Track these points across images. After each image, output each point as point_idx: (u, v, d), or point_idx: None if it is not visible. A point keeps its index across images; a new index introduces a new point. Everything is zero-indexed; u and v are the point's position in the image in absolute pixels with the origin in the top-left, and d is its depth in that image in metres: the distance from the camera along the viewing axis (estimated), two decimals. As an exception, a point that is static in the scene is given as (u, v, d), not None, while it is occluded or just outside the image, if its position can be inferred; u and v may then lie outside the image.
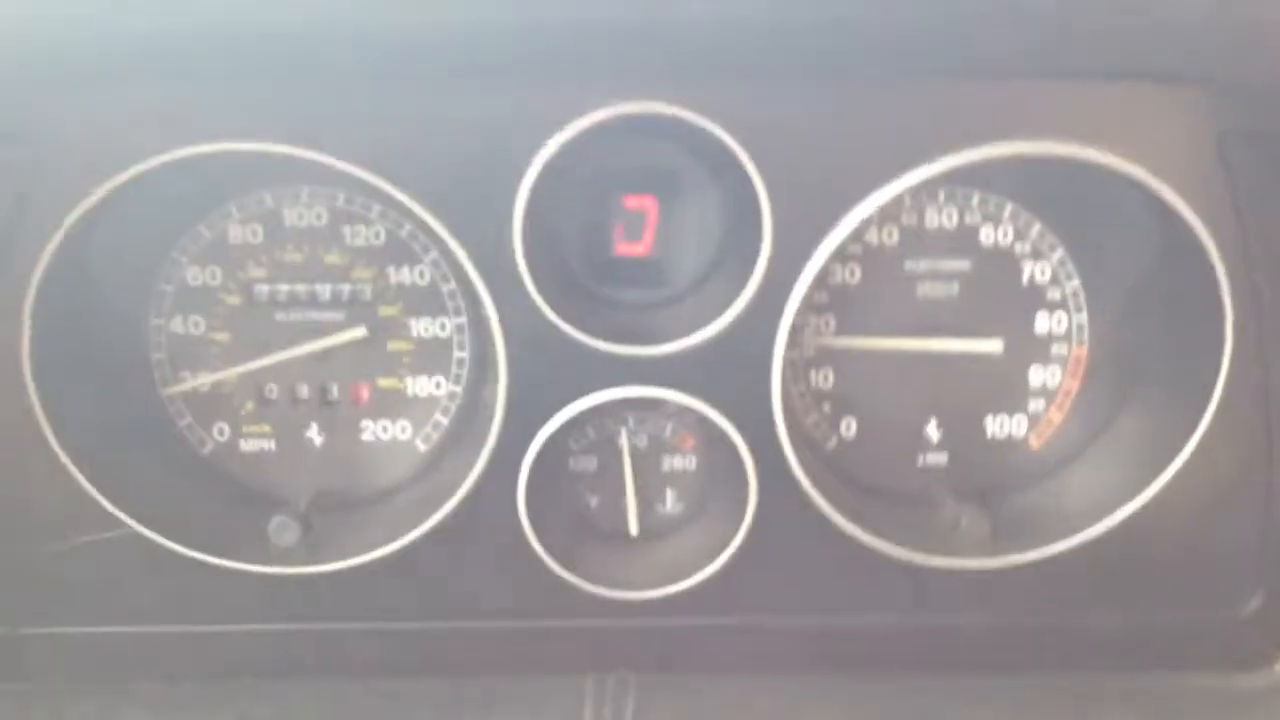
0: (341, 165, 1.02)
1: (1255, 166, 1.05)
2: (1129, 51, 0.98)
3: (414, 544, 1.13)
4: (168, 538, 1.12)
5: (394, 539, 1.13)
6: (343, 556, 1.14)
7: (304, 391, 1.23)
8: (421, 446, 1.25)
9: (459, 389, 1.23)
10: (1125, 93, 1.04)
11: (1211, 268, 1.05)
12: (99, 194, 1.01)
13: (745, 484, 1.13)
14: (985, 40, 0.96)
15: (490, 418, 1.11)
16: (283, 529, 1.11)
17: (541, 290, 1.06)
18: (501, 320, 1.08)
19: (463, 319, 1.21)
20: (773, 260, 1.06)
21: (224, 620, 1.17)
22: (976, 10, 0.89)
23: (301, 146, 1.01)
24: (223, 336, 1.20)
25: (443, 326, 1.22)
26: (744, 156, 1.01)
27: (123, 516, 1.10)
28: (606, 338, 1.08)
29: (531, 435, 1.11)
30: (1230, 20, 0.89)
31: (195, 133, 1.01)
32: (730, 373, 1.11)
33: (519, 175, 1.02)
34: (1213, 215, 1.04)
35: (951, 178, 1.17)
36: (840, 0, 0.87)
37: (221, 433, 1.23)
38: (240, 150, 1.01)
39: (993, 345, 1.20)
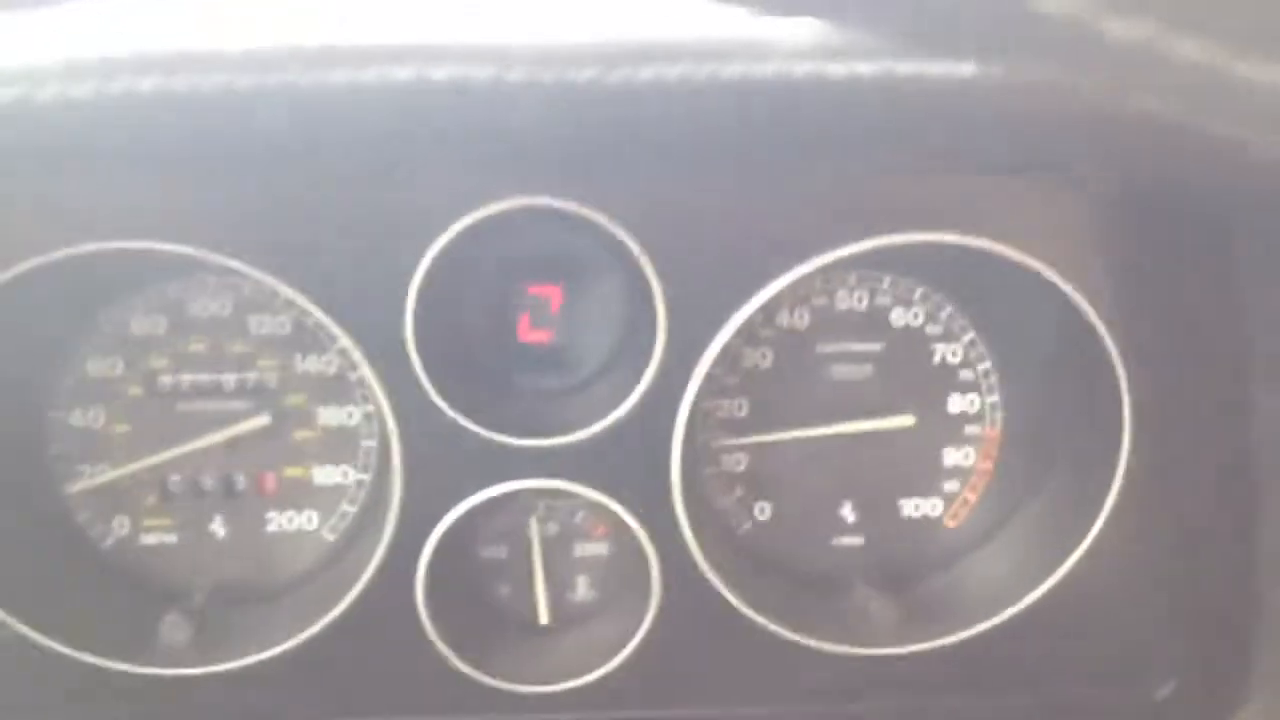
0: (232, 263, 1.01)
1: (1144, 250, 1.06)
2: (1022, 148, 0.98)
3: (311, 640, 1.11)
4: (51, 637, 1.08)
5: (291, 635, 1.11)
6: (238, 655, 1.11)
7: (208, 483, 1.21)
8: (329, 536, 1.23)
9: (367, 477, 1.22)
10: (1014, 184, 1.05)
11: (1106, 351, 1.05)
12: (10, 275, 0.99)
13: (650, 576, 1.11)
14: (882, 141, 0.96)
15: (388, 509, 1.09)
16: (175, 627, 1.09)
17: (438, 384, 1.05)
18: (396, 415, 1.06)
19: (370, 407, 1.20)
20: (668, 348, 1.05)
21: None
22: (874, 114, 0.90)
23: (192, 245, 1.00)
24: (124, 428, 1.18)
25: (350, 415, 1.20)
26: (635, 247, 1.01)
27: (4, 615, 1.08)
28: (505, 430, 1.07)
29: (431, 527, 1.09)
30: (1116, 118, 0.89)
31: (88, 229, 1.00)
32: (632, 462, 1.10)
33: (411, 269, 1.01)
34: (1104, 300, 1.05)
35: (859, 262, 1.17)
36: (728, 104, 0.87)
37: (122, 526, 1.21)
38: (132, 249, 1.00)
39: (905, 420, 1.20)
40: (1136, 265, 1.06)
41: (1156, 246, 1.06)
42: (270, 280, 1.01)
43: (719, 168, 1.03)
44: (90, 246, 0.98)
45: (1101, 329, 1.05)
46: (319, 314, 1.03)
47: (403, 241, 1.01)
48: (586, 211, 0.99)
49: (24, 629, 1.08)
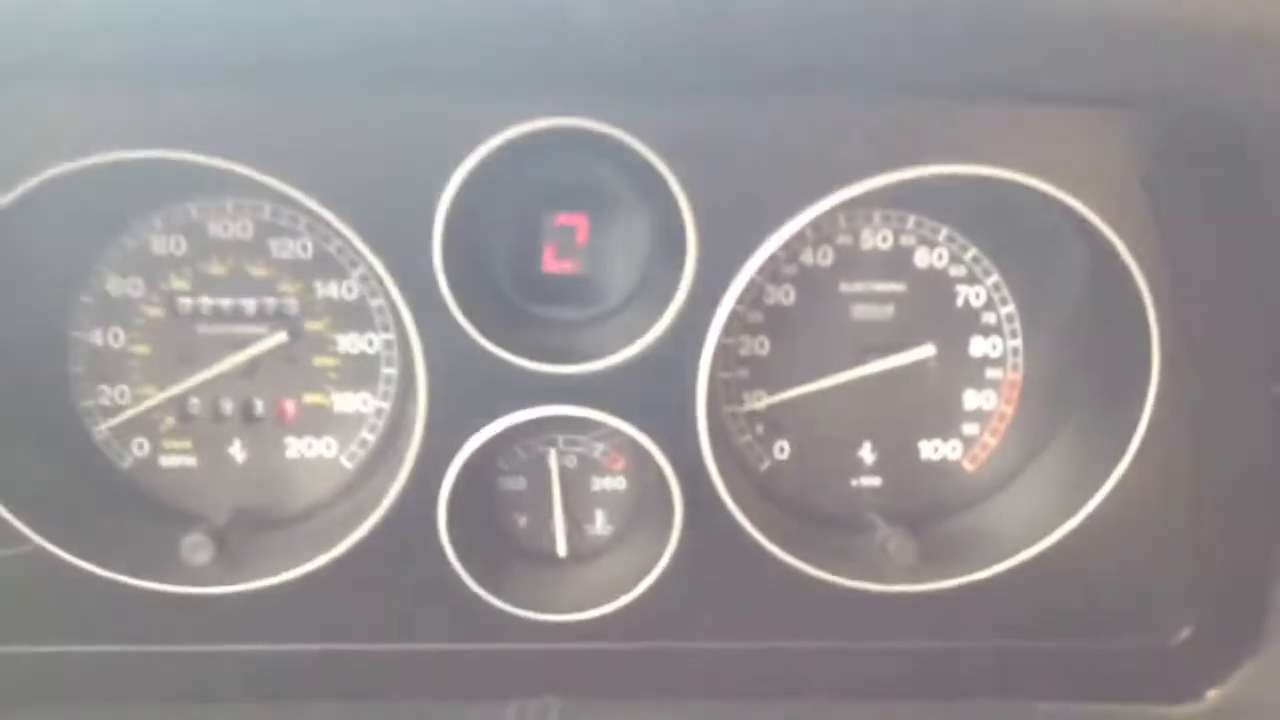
0: (260, 177, 1.00)
1: (1179, 191, 1.05)
2: (1059, 75, 0.97)
3: (332, 564, 1.11)
4: (76, 555, 1.09)
5: (312, 559, 1.11)
6: (258, 576, 1.11)
7: (228, 407, 1.20)
8: (347, 464, 1.22)
9: (386, 405, 1.21)
10: (1053, 117, 1.04)
11: (1138, 292, 1.05)
12: (9, 198, 0.98)
13: (672, 506, 1.11)
14: (915, 60, 0.95)
15: (411, 435, 1.09)
16: (197, 548, 1.09)
17: (464, 307, 1.04)
18: (422, 337, 1.06)
19: (391, 335, 1.19)
20: (698, 278, 1.04)
21: (134, 641, 1.13)
22: (909, 30, 0.89)
23: (220, 157, 0.99)
24: (144, 350, 1.18)
25: (370, 342, 1.20)
26: (669, 174, 1.00)
27: (29, 532, 1.07)
28: (531, 356, 1.07)
29: (453, 454, 1.09)
30: (1153, 44, 0.89)
31: (111, 140, 0.99)
32: (657, 392, 1.09)
33: (440, 189, 1.00)
34: (1139, 240, 1.04)
35: (884, 200, 1.17)
36: (766, 17, 0.86)
37: (141, 448, 1.20)
38: (157, 159, 0.99)
39: (926, 350, 1.19)
40: (1172, 206, 1.05)
41: (1192, 189, 1.05)
42: (297, 195, 1.00)
43: (751, 96, 1.02)
44: (116, 155, 0.97)
45: (1135, 269, 1.04)
46: (345, 231, 1.02)
47: (433, 159, 1.00)
48: (622, 135, 0.98)
49: (48, 545, 1.08)
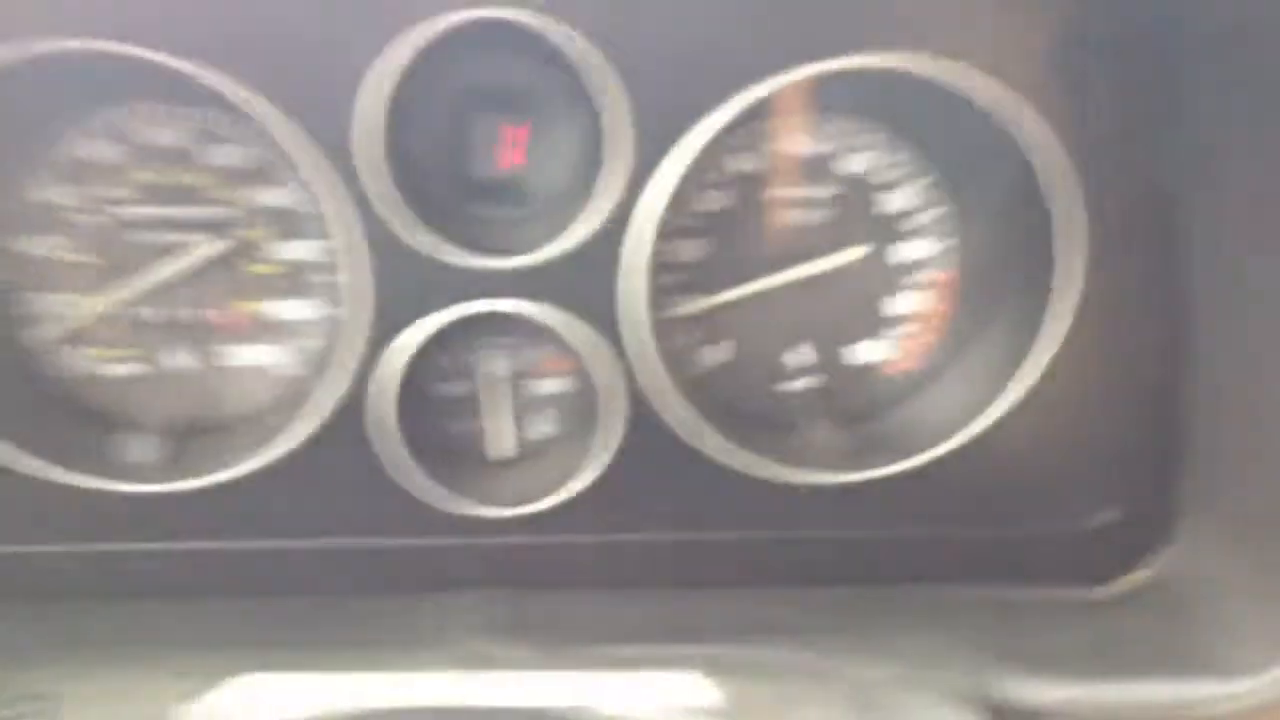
0: (192, 69, 1.00)
1: (1105, 77, 1.07)
2: None
3: (276, 463, 1.12)
4: (18, 457, 1.09)
5: (256, 458, 1.12)
6: (204, 474, 1.12)
7: (166, 316, 1.21)
8: (289, 371, 1.23)
9: (326, 311, 1.22)
10: (984, 5, 1.06)
11: (1065, 181, 1.08)
12: None
13: (610, 406, 1.13)
14: None
15: (349, 337, 1.10)
16: (140, 446, 1.10)
17: (400, 205, 1.05)
18: (357, 237, 1.07)
19: (329, 242, 1.19)
20: (631, 171, 1.06)
21: (80, 541, 1.14)
22: None
23: (151, 49, 0.99)
24: (80, 258, 1.18)
25: (308, 249, 1.20)
26: (604, 64, 1.01)
27: None
28: (467, 249, 1.08)
29: (395, 354, 1.10)
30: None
31: (42, 32, 0.98)
32: (593, 291, 1.11)
33: (372, 85, 1.01)
34: (1066, 129, 1.07)
35: (817, 98, 1.19)
36: None
37: (82, 358, 1.21)
38: (93, 51, 0.98)
39: (858, 252, 1.21)
40: (1097, 94, 1.07)
41: (1113, 79, 1.08)
42: (228, 90, 1.00)
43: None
44: (39, 46, 0.97)
45: (1062, 159, 1.07)
46: (277, 131, 1.02)
47: (363, 50, 1.00)
48: (555, 25, 0.99)
49: None
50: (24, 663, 0.92)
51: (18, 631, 1.04)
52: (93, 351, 1.21)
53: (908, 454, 1.17)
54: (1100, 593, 1.19)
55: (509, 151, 1.15)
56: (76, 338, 1.20)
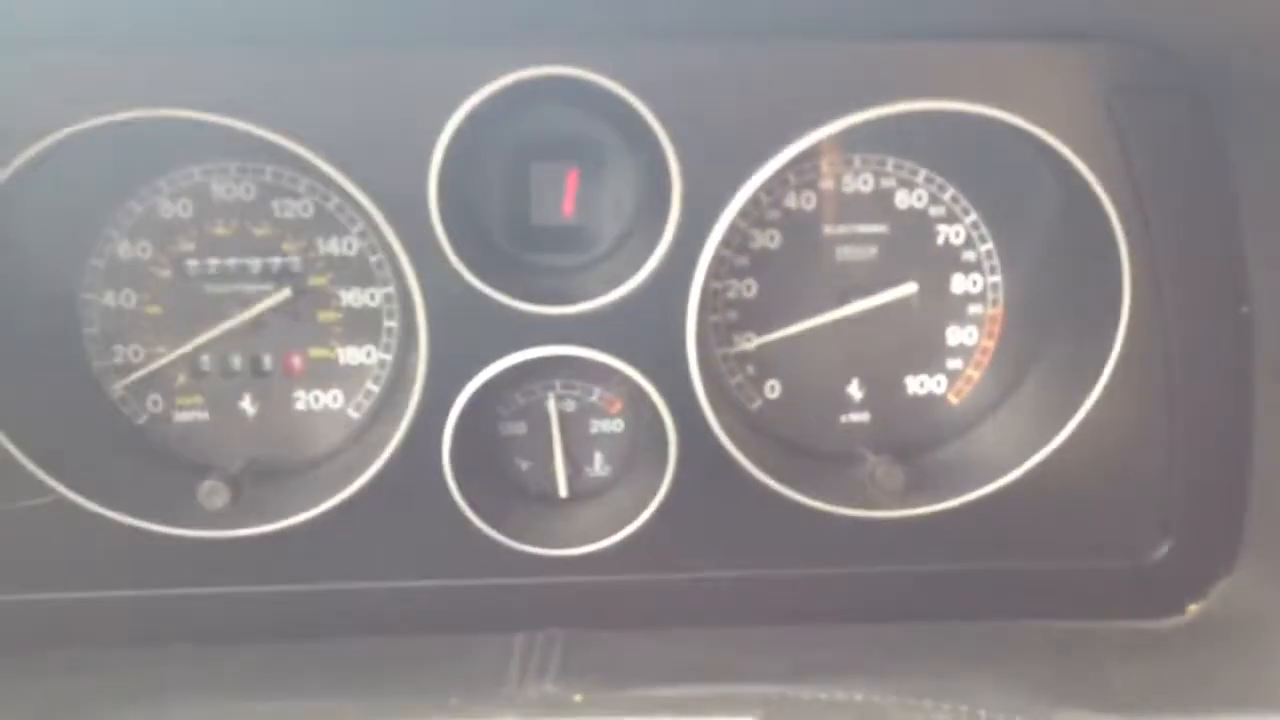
0: (263, 133, 1.04)
1: (1143, 122, 1.09)
2: (1023, 10, 1.02)
3: (341, 506, 1.16)
4: (98, 503, 1.14)
5: (322, 502, 1.16)
6: (273, 520, 1.16)
7: (237, 363, 1.25)
8: (353, 414, 1.27)
9: (389, 357, 1.26)
10: (1019, 52, 1.08)
11: (1108, 221, 1.09)
12: (21, 160, 1.03)
13: (667, 442, 1.16)
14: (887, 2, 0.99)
15: (414, 382, 1.14)
16: (213, 493, 1.14)
17: (460, 253, 1.08)
18: (421, 286, 1.10)
19: (390, 288, 1.23)
20: (683, 219, 1.09)
21: (153, 585, 1.18)
22: None
23: (223, 115, 1.04)
24: (154, 310, 1.23)
25: (372, 296, 1.24)
26: (652, 119, 1.05)
27: (52, 483, 1.12)
28: (525, 298, 1.11)
29: (455, 398, 1.14)
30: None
31: (113, 102, 1.03)
32: (649, 333, 1.14)
33: (434, 140, 1.05)
34: (1107, 170, 1.08)
35: (864, 143, 1.21)
36: None
37: (156, 404, 1.25)
38: (159, 118, 1.03)
39: (909, 289, 1.23)
40: (1137, 137, 1.09)
41: (1156, 120, 1.09)
42: (298, 150, 1.05)
43: (733, 36, 1.06)
44: (124, 115, 1.02)
45: (1104, 199, 1.08)
46: (345, 184, 1.06)
47: (426, 112, 1.04)
48: (608, 82, 1.03)
49: (72, 495, 1.13)
50: (101, 709, 0.96)
51: (98, 672, 1.08)
52: (168, 398, 1.25)
53: (963, 490, 1.18)
54: (1158, 626, 1.19)
55: (567, 200, 1.18)
56: (153, 386, 1.24)
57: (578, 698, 0.92)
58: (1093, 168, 1.08)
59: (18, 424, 1.13)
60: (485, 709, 0.90)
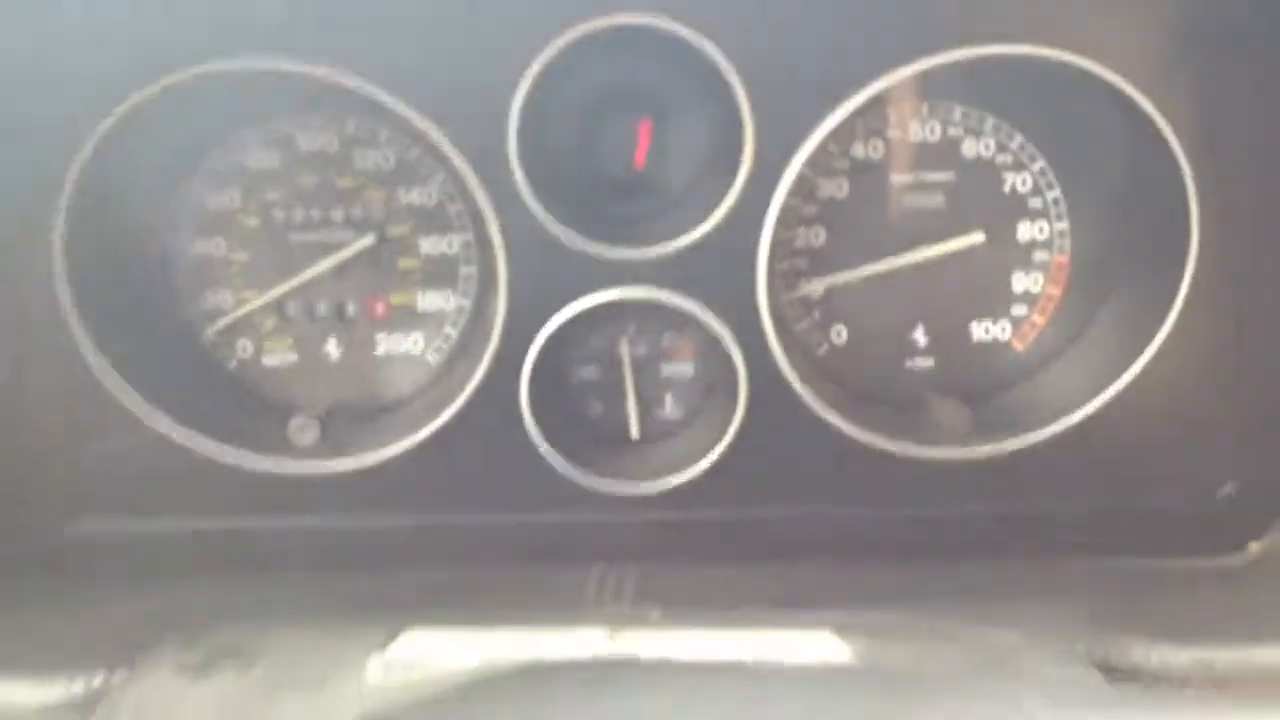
0: (353, 83, 1.08)
1: (1215, 65, 1.09)
2: None
3: (423, 443, 1.20)
4: (196, 440, 1.19)
5: (406, 438, 1.20)
6: (358, 453, 1.21)
7: (321, 309, 1.30)
8: (432, 358, 1.32)
9: (467, 302, 1.30)
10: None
11: (1177, 164, 1.10)
12: (120, 109, 1.08)
13: (737, 383, 1.19)
14: None
15: (492, 326, 1.18)
16: (302, 429, 1.19)
17: (539, 200, 1.12)
18: (501, 231, 1.14)
19: (469, 235, 1.28)
20: (754, 168, 1.12)
21: (246, 517, 1.24)
22: None
23: (309, 65, 1.08)
24: (242, 257, 1.28)
25: (450, 244, 1.28)
26: (726, 66, 1.07)
27: (153, 422, 1.18)
28: (601, 241, 1.15)
29: (532, 339, 1.18)
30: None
31: (211, 52, 1.08)
32: (720, 276, 1.17)
33: (512, 91, 1.08)
34: (1176, 112, 1.09)
35: (932, 90, 1.23)
36: None
37: (245, 349, 1.31)
38: (257, 69, 1.08)
39: (975, 238, 1.25)
40: (1208, 80, 1.09)
41: (1231, 70, 1.10)
42: (384, 99, 1.09)
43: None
44: (216, 66, 1.06)
45: (1176, 146, 1.09)
46: (428, 131, 1.10)
47: (506, 57, 1.07)
48: (682, 29, 1.05)
49: (172, 434, 1.19)
50: (213, 622, 1.01)
51: (201, 595, 1.14)
52: (257, 343, 1.31)
53: (1030, 430, 1.20)
54: (1223, 562, 1.20)
55: (641, 149, 1.21)
56: (242, 331, 1.30)
57: (655, 615, 0.96)
58: (1164, 113, 1.09)
59: (121, 366, 1.18)
60: (566, 619, 0.93)
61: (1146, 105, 1.09)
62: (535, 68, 1.07)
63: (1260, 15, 1.07)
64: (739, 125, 1.10)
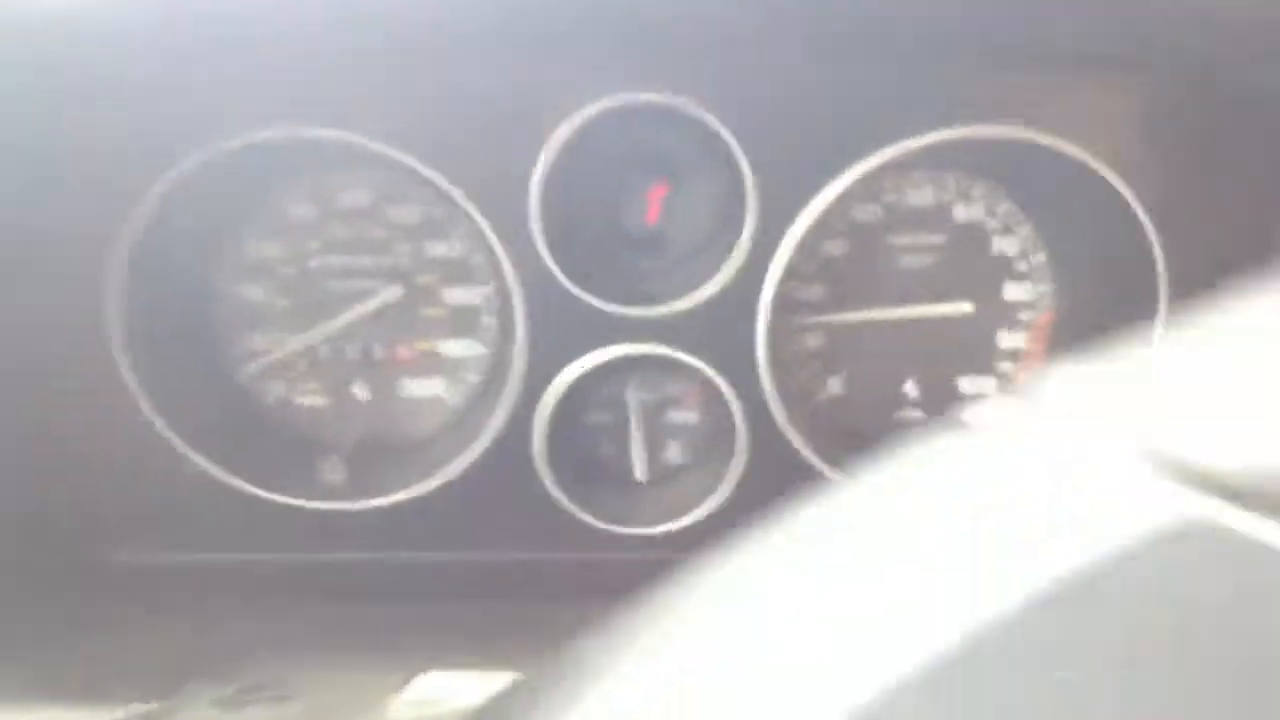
0: (378, 147, 1.18)
1: (1185, 148, 1.18)
2: (1086, 43, 1.12)
3: (444, 485, 1.29)
4: (232, 476, 1.28)
5: (429, 479, 1.29)
6: (383, 494, 1.30)
7: (350, 353, 1.39)
8: (452, 401, 1.41)
9: (487, 350, 1.39)
10: (1072, 80, 1.18)
11: (1146, 238, 1.19)
12: (183, 167, 1.17)
13: (735, 434, 1.27)
14: (966, 29, 1.10)
15: (510, 374, 1.27)
16: (332, 468, 1.28)
17: (556, 259, 1.21)
18: (521, 287, 1.23)
19: (490, 287, 1.37)
20: (757, 232, 1.20)
21: (277, 550, 1.33)
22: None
23: (353, 133, 1.17)
24: (281, 302, 1.37)
25: (473, 295, 1.38)
26: (733, 141, 1.16)
27: (195, 456, 1.27)
28: (614, 299, 1.23)
29: (547, 389, 1.26)
30: (1171, 13, 1.03)
31: (270, 118, 1.17)
32: (723, 332, 1.25)
33: (536, 157, 1.17)
34: (1147, 190, 1.18)
35: (926, 160, 1.32)
36: None
37: (280, 388, 1.40)
38: (312, 137, 1.17)
39: (963, 307, 1.34)
40: (1177, 160, 1.18)
41: (1196, 144, 1.18)
42: (414, 163, 1.18)
43: (811, 65, 1.17)
44: (259, 135, 1.16)
45: (1143, 218, 1.18)
46: (454, 194, 1.19)
47: (530, 132, 1.17)
48: (692, 107, 1.15)
49: (210, 468, 1.28)
50: (249, 653, 1.10)
51: (237, 625, 1.22)
52: (291, 384, 1.40)
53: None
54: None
55: (653, 210, 1.30)
56: (278, 372, 1.39)
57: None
58: (1134, 189, 1.17)
59: (166, 405, 1.27)
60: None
61: (1119, 185, 1.17)
62: (556, 141, 1.16)
63: (1223, 101, 1.16)
64: (743, 196, 1.19)
